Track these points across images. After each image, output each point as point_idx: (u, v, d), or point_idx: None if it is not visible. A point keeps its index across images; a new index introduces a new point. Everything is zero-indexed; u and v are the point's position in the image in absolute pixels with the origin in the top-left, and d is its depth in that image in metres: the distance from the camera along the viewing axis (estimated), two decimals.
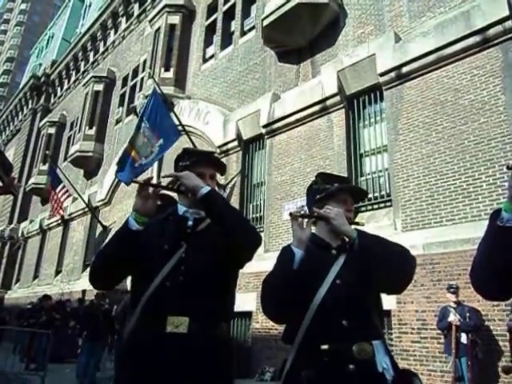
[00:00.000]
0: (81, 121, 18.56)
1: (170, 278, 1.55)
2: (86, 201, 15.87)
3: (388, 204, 7.68)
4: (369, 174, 8.19)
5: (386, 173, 7.90)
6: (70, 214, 17.93)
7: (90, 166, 17.85)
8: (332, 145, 8.65)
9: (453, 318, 5.52)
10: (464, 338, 5.43)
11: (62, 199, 13.53)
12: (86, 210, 16.22)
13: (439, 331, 5.89)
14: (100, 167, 17.55)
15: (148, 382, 1.42)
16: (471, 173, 6.56)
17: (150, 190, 1.62)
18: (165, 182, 1.85)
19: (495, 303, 5.77)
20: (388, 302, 6.05)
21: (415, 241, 6.41)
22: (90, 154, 17.55)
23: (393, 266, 1.47)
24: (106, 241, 1.68)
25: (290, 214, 1.57)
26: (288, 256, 1.52)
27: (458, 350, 5.43)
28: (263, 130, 10.06)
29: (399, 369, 1.48)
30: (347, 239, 1.55)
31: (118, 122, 17.38)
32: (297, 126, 9.45)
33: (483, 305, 5.80)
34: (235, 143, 10.73)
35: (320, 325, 1.44)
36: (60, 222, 18.66)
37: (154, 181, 1.71)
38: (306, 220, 1.58)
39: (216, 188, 1.77)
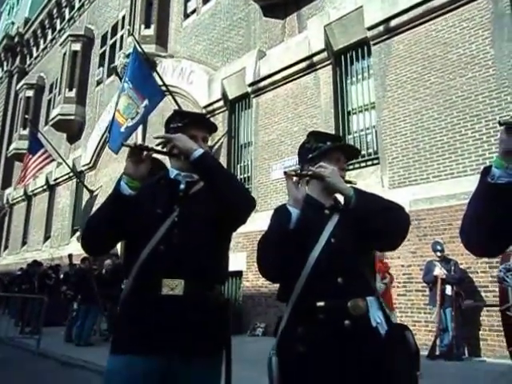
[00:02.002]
0: (60, 83, 17.92)
1: (163, 241, 1.53)
2: (71, 165, 15.59)
3: (375, 162, 7.70)
4: (356, 132, 8.15)
5: (373, 130, 7.87)
6: (55, 180, 17.68)
7: (72, 130, 17.42)
8: (319, 103, 8.54)
9: (438, 271, 5.70)
10: (449, 290, 5.63)
11: (42, 164, 13.20)
12: (71, 174, 15.97)
13: (424, 284, 6.09)
14: (83, 131, 17.15)
15: (145, 345, 1.43)
16: (458, 129, 6.57)
17: (142, 153, 1.58)
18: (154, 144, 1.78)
19: (478, 256, 5.95)
20: (374, 257, 6.20)
21: (402, 198, 6.48)
22: (72, 117, 17.08)
23: (389, 223, 1.47)
24: (98, 206, 1.64)
25: (285, 172, 1.54)
26: (284, 216, 1.50)
27: (443, 301, 5.63)
28: (249, 89, 9.85)
29: (392, 323, 1.52)
30: (342, 198, 1.53)
31: (98, 83, 16.83)
32: (283, 84, 9.26)
33: (466, 258, 5.97)
34: (221, 103, 10.51)
35: (315, 283, 1.45)
36: (45, 187, 18.41)
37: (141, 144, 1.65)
38: (300, 179, 1.55)
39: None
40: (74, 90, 17.29)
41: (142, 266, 1.52)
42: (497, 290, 5.64)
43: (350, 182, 1.61)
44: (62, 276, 11.23)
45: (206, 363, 1.49)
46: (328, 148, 1.66)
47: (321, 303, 1.44)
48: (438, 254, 5.82)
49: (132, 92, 9.20)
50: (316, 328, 1.40)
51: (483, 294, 5.76)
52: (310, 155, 1.67)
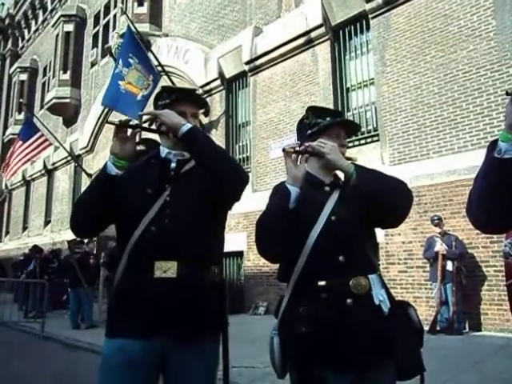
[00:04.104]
0: (54, 65, 17.63)
1: (155, 222, 1.49)
2: (68, 149, 15.47)
3: (375, 139, 7.62)
4: (355, 109, 8.04)
5: (372, 107, 7.76)
6: (53, 164, 17.58)
7: (68, 113, 17.23)
8: (317, 80, 8.39)
9: (439, 247, 5.69)
10: (450, 266, 5.64)
11: (39, 149, 13.04)
12: (69, 158, 15.88)
13: (425, 260, 6.10)
14: (79, 113, 16.97)
15: (140, 328, 1.40)
16: (459, 103, 6.47)
17: (128, 131, 1.52)
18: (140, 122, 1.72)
19: (479, 232, 5.92)
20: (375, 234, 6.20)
21: (402, 174, 6.38)
22: (67, 100, 16.87)
23: (391, 200, 1.42)
24: (85, 188, 1.59)
25: (283, 149, 1.48)
26: (283, 194, 1.45)
27: (444, 277, 5.64)
28: (246, 67, 9.68)
29: (395, 300, 1.49)
30: (343, 175, 1.48)
31: (93, 64, 16.56)
32: (280, 62, 9.09)
33: (467, 233, 5.96)
34: (218, 82, 10.35)
35: (316, 262, 1.41)
36: (43, 172, 18.34)
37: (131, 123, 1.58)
38: (299, 156, 1.50)
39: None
40: (69, 72, 17.02)
41: (133, 248, 1.48)
42: (498, 264, 5.67)
43: (350, 159, 1.56)
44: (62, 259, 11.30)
45: (202, 345, 1.46)
46: (327, 124, 1.60)
47: (322, 282, 1.41)
48: (436, 225, 5.79)
49: (139, 66, 9.18)
50: (318, 307, 1.37)
51: (484, 269, 5.77)
52: (309, 131, 1.61)
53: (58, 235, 15.85)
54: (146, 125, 1.63)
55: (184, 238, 1.48)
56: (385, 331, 1.38)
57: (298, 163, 1.50)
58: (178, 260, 1.46)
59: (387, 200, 1.41)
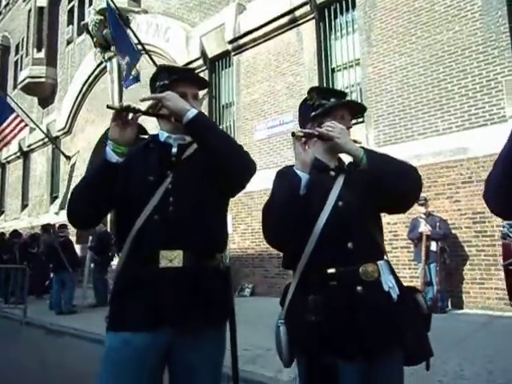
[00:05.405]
0: (27, 43, 16.90)
1: (157, 210, 1.42)
2: (45, 131, 15.01)
3: (360, 120, 7.59)
4: None
5: (358, 88, 7.72)
6: (28, 146, 17.04)
7: (44, 93, 16.62)
8: (302, 60, 8.28)
9: (424, 227, 5.77)
10: (434, 246, 5.73)
11: (16, 131, 12.60)
12: (46, 140, 15.41)
13: (409, 241, 6.18)
14: (55, 93, 16.40)
15: (145, 320, 1.34)
16: (444, 85, 6.48)
17: (129, 116, 1.42)
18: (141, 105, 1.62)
19: (462, 212, 6.05)
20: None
21: None
22: (43, 79, 16.24)
23: (402, 185, 1.39)
24: (83, 175, 1.49)
25: (293, 133, 1.41)
26: (294, 181, 1.39)
27: (428, 257, 5.74)
28: (229, 47, 9.47)
29: (403, 286, 1.47)
30: (350, 159, 1.43)
31: (69, 42, 15.92)
32: (265, 41, 8.92)
33: (451, 214, 6.07)
34: (200, 62, 10.10)
35: (324, 249, 1.37)
36: (19, 154, 17.78)
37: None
38: (308, 140, 1.44)
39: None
40: (43, 50, 16.35)
41: (136, 238, 1.41)
42: (480, 244, 5.80)
43: (355, 142, 1.51)
44: (42, 245, 11.06)
45: (210, 334, 1.43)
46: (332, 105, 1.53)
47: (331, 270, 1.37)
48: (421, 205, 5.83)
49: (114, 48, 8.83)
50: (327, 295, 1.33)
51: (467, 249, 5.89)
52: (313, 113, 1.55)
53: (37, 219, 15.50)
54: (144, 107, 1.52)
55: (189, 227, 1.42)
56: (395, 318, 1.36)
57: (306, 147, 1.44)
58: (184, 249, 1.41)
59: (398, 185, 1.38)
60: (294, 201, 1.35)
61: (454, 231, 6.00)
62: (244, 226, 8.53)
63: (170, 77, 1.53)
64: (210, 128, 1.46)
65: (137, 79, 9.02)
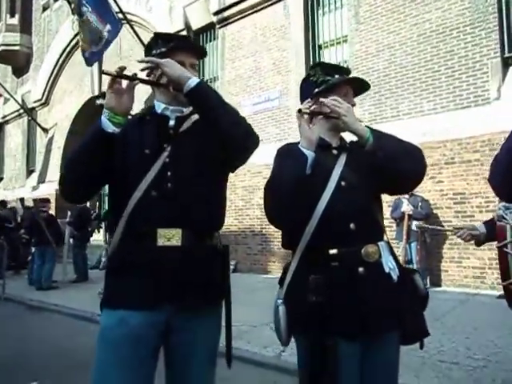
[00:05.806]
0: None
1: (155, 186, 1.36)
2: (20, 101, 14.45)
3: None
4: None
5: (345, 65, 7.63)
6: (3, 117, 16.44)
7: (18, 62, 15.93)
8: (289, 35, 8.12)
9: (406, 207, 5.85)
10: (415, 226, 5.82)
11: None
12: (22, 111, 14.87)
13: (392, 220, 6.27)
14: (31, 63, 15.74)
15: (142, 299, 1.31)
16: (431, 65, 6.47)
17: (124, 83, 1.34)
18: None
19: (444, 193, 6.15)
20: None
21: None
22: (17, 47, 15.53)
23: (407, 166, 1.37)
24: (75, 146, 1.41)
25: (299, 110, 1.36)
26: (300, 159, 1.34)
27: (409, 236, 5.84)
28: (214, 19, 9.20)
29: (403, 267, 1.47)
30: (356, 137, 1.40)
31: (45, 8, 15.21)
32: (251, 14, 8.69)
33: (433, 194, 6.16)
34: (184, 33, 9.78)
35: (326, 229, 1.35)
36: None
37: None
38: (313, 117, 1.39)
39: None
40: (17, 16, 15.59)
41: (132, 214, 1.35)
42: (460, 224, 5.91)
43: (359, 121, 1.47)
44: (19, 220, 10.81)
45: (208, 313, 1.40)
46: (337, 81, 1.49)
47: (333, 251, 1.35)
48: None
49: (93, 15, 8.35)
50: (329, 276, 1.32)
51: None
52: (316, 90, 1.50)
53: (12, 193, 15.09)
54: (143, 75, 1.44)
55: (188, 204, 1.37)
56: (396, 300, 1.37)
57: (311, 125, 1.39)
58: (182, 227, 1.36)
59: (403, 166, 1.36)
60: (300, 181, 1.31)
61: (435, 211, 6.11)
62: (228, 203, 8.46)
63: (167, 44, 1.45)
64: (213, 98, 1.38)
65: (101, 53, 8.64)
